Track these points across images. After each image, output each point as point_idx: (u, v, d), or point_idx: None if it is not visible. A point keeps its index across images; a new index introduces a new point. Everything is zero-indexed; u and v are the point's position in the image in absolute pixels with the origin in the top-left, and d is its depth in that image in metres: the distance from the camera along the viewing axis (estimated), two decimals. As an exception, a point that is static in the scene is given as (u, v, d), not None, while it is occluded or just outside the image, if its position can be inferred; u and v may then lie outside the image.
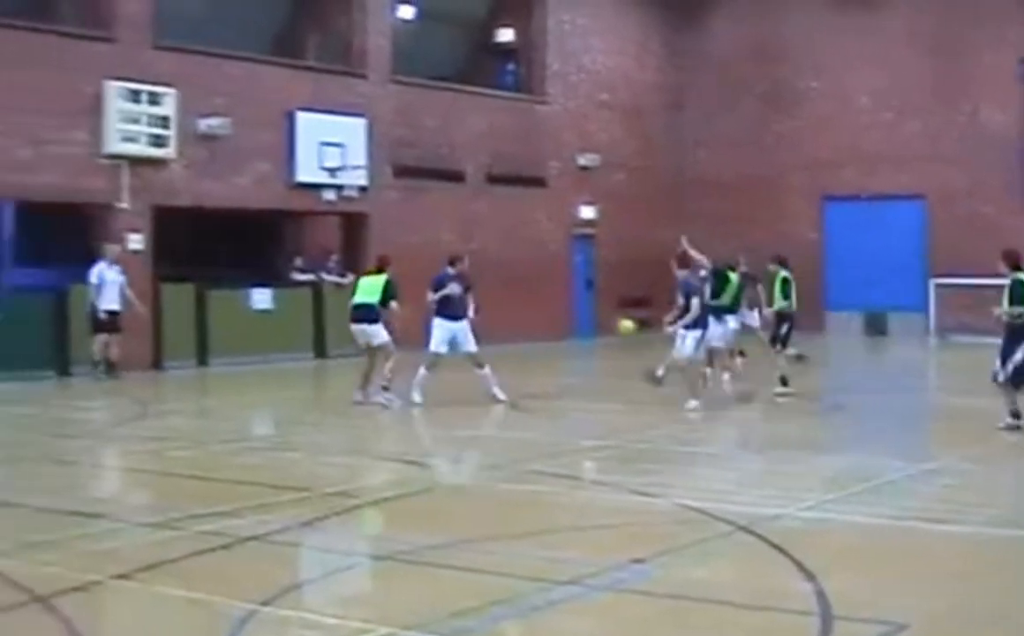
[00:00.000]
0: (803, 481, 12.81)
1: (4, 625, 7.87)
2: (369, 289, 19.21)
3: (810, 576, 8.69)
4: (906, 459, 14.01)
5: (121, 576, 8.92)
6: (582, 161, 34.73)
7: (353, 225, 29.92)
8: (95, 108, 24.56)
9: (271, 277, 28.02)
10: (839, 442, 16.38)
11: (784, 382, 19.62)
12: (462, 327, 19.06)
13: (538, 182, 33.65)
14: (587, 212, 34.86)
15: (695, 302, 17.94)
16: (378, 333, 18.96)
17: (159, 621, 8.28)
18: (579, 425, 17.77)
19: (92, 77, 24.52)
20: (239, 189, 27.07)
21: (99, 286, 23.45)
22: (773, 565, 9.26)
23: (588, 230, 34.89)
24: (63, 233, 24.62)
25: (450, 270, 19.45)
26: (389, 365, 18.71)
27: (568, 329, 33.30)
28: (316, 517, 11.14)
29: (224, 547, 9.82)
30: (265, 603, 8.21)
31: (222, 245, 27.35)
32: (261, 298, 26.84)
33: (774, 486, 12.52)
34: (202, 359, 25.78)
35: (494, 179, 32.39)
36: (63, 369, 23.56)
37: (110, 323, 23.46)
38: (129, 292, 23.50)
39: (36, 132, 23.70)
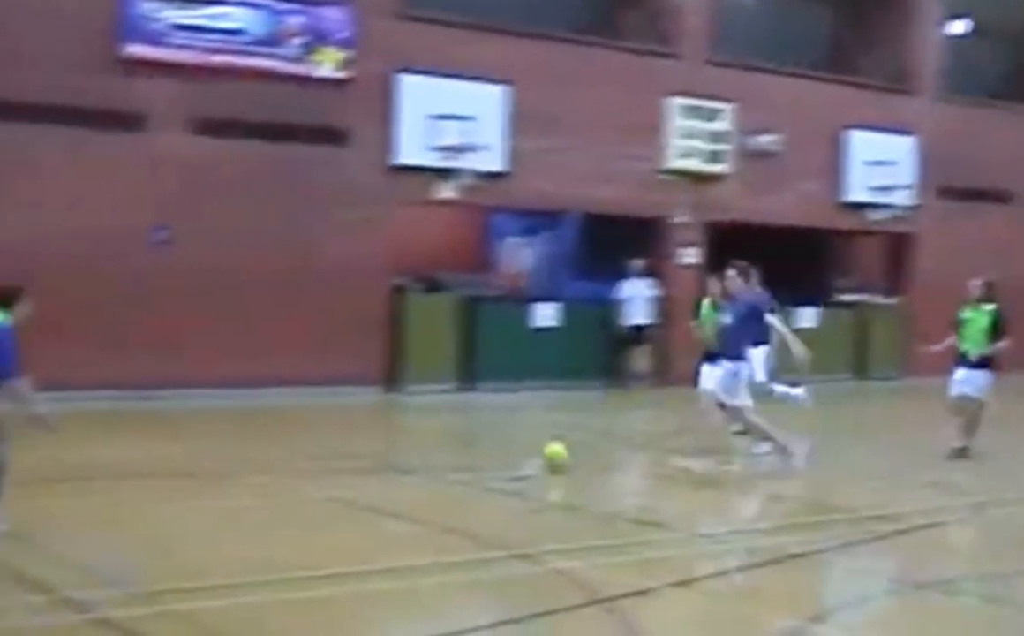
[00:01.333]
0: None
1: (573, 623, 8.32)
2: None
3: None
4: None
5: (677, 584, 9.26)
6: None
7: (898, 246, 29.52)
8: (656, 124, 25.39)
9: (815, 296, 28.06)
10: None
11: None
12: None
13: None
14: None
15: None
16: None
17: (712, 630, 8.60)
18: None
19: (654, 93, 25.32)
20: (787, 206, 27.24)
21: (626, 301, 24.25)
22: None
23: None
24: (621, 246, 25.54)
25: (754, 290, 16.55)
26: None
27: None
28: (857, 539, 11.21)
29: (770, 563, 10.06)
30: (812, 620, 8.41)
31: (767, 262, 27.57)
32: (806, 317, 26.97)
33: None
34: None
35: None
36: (611, 380, 24.48)
37: (635, 336, 24.20)
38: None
39: (602, 146, 24.67)
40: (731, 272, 15.91)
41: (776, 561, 10.09)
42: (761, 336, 16.70)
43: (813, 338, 26.33)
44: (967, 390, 16.15)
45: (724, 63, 26.29)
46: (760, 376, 16.87)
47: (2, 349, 10.32)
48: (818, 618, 8.56)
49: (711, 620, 8.72)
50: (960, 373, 16.28)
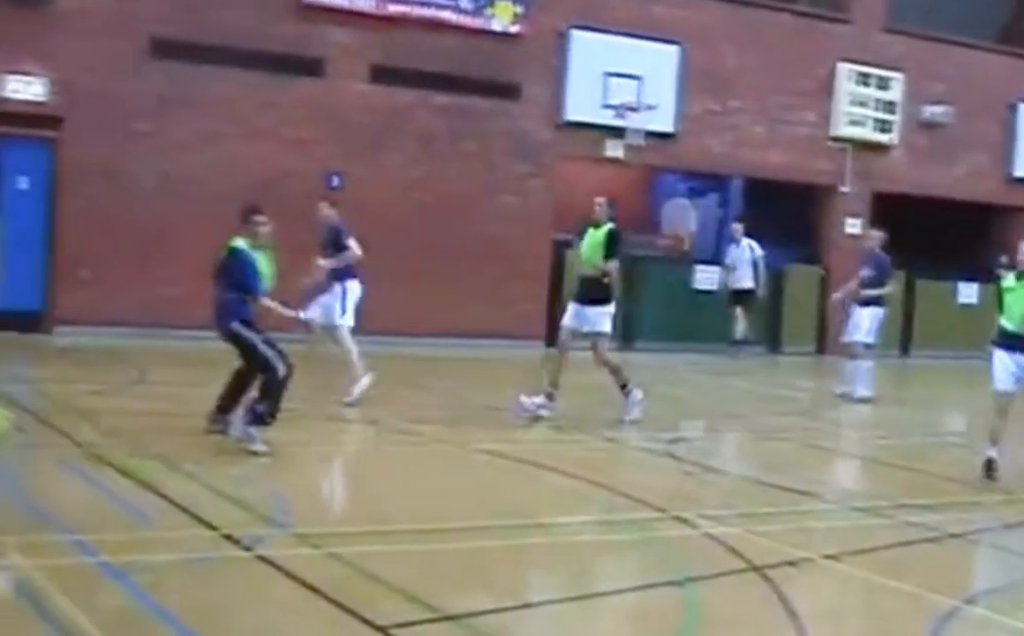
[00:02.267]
0: None
1: (726, 589, 8.35)
2: None
3: None
4: None
5: (830, 556, 9.20)
6: None
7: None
8: (825, 90, 25.26)
9: (977, 271, 27.68)
10: None
11: None
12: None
13: None
14: None
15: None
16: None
17: (864, 606, 8.54)
18: None
19: (825, 58, 25.20)
20: (954, 179, 26.96)
21: (731, 266, 24.05)
22: None
23: None
24: (786, 212, 25.40)
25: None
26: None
27: None
28: (1016, 521, 11.07)
29: (929, 540, 9.95)
30: (968, 601, 8.33)
31: (931, 235, 27.26)
32: (967, 292, 26.63)
33: None
34: (904, 348, 25.98)
35: None
36: (774, 346, 24.53)
37: (738, 300, 23.86)
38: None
39: (770, 111, 24.72)
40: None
41: (933, 539, 10.02)
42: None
43: (974, 315, 26.31)
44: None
45: (898, 30, 26.00)
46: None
47: (245, 269, 11.22)
48: (972, 600, 8.54)
49: (863, 595, 8.68)
50: (1005, 358, 12.59)
